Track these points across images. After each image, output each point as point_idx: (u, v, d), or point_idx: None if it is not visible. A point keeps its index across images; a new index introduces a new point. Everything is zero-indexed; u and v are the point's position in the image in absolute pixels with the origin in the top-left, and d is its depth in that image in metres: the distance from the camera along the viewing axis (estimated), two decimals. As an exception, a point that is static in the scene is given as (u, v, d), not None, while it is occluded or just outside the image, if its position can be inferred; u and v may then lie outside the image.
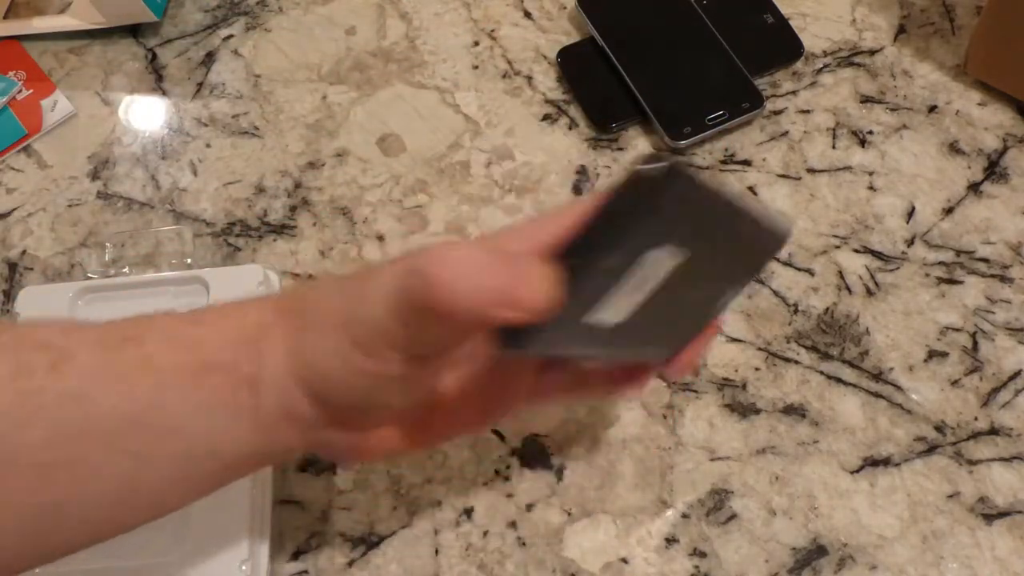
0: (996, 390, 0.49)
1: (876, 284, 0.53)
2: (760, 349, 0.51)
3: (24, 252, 0.58)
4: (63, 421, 0.29)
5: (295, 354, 0.31)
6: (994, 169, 0.56)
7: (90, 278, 0.55)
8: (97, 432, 0.30)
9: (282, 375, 0.31)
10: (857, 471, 0.47)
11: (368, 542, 0.47)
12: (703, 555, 0.46)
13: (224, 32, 0.66)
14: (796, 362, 0.50)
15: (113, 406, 0.30)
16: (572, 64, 0.61)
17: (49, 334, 0.31)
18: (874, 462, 0.47)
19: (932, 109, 0.58)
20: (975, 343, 0.50)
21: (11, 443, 0.29)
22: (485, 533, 0.47)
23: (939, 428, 0.48)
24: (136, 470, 0.31)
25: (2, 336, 0.31)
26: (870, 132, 0.57)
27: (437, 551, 0.47)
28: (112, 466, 0.30)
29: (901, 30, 0.61)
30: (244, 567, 0.43)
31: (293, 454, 0.38)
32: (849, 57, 0.60)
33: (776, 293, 0.53)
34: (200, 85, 0.64)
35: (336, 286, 0.32)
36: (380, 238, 0.56)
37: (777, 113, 0.59)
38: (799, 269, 0.53)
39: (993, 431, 0.48)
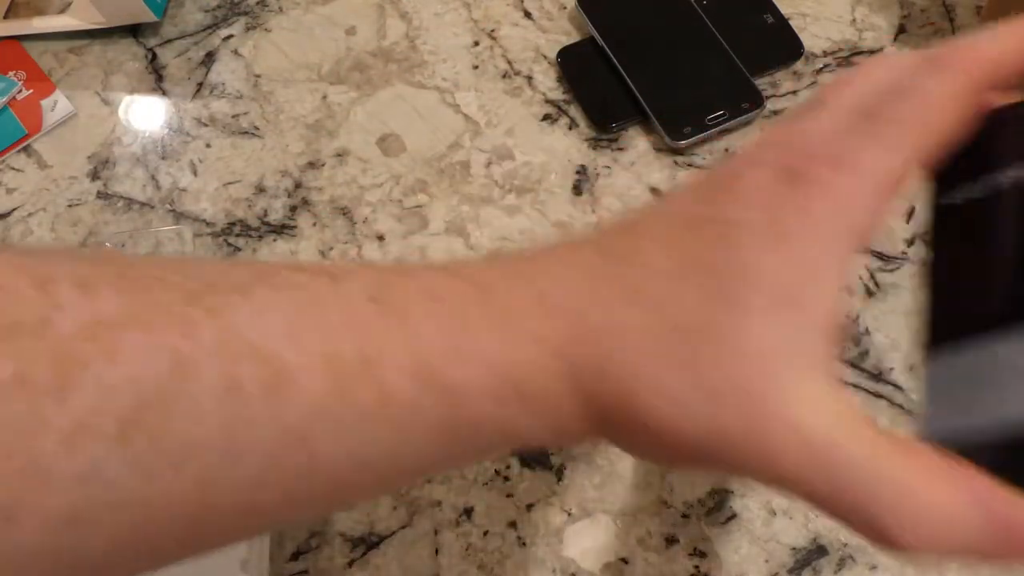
0: (996, 390, 0.49)
1: (876, 284, 0.53)
2: (760, 349, 0.51)
3: (24, 252, 0.58)
4: (282, 463, 0.22)
5: (586, 415, 0.24)
6: (994, 169, 0.56)
7: (90, 278, 0.55)
8: (323, 475, 0.23)
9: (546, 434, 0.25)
10: (857, 471, 0.47)
11: (368, 542, 0.47)
12: (703, 555, 0.46)
13: (224, 32, 0.66)
14: (796, 362, 0.50)
15: (348, 453, 0.23)
16: (572, 64, 0.61)
17: (260, 331, 0.22)
18: (874, 462, 0.47)
19: (932, 109, 0.58)
20: (975, 343, 0.50)
21: (215, 480, 0.22)
22: (485, 533, 0.47)
23: (939, 428, 0.48)
24: (357, 492, 0.25)
25: (195, 310, 0.22)
26: (870, 132, 0.57)
27: (437, 551, 0.47)
28: (329, 499, 0.25)
29: (901, 30, 0.61)
30: (244, 567, 0.43)
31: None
32: (849, 57, 0.60)
33: (776, 293, 0.53)
34: (200, 85, 0.64)
35: (665, 354, 0.23)
36: (380, 238, 0.56)
37: (777, 113, 0.59)
38: (799, 269, 0.53)
39: (993, 431, 0.48)
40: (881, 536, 0.21)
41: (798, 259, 0.22)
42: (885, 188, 0.23)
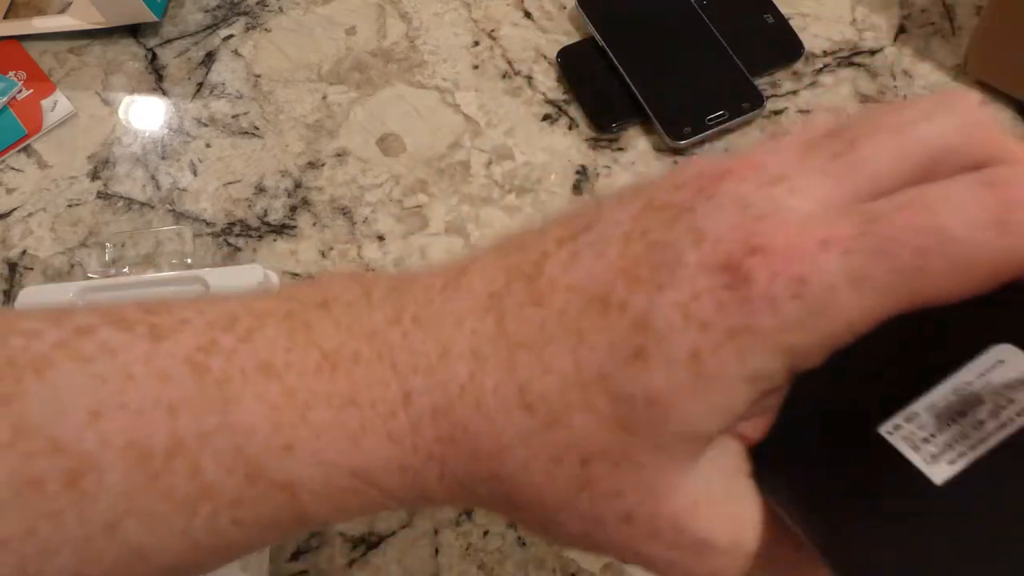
0: (996, 390, 0.49)
1: (876, 284, 0.52)
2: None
3: (24, 252, 0.58)
4: (100, 555, 0.21)
5: (453, 491, 0.22)
6: (994, 169, 0.56)
7: (90, 278, 0.55)
8: (148, 561, 0.22)
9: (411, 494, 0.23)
10: (857, 471, 0.47)
11: (368, 542, 0.47)
12: (703, 555, 0.46)
13: (224, 32, 0.66)
14: (796, 362, 0.50)
15: (163, 544, 0.22)
16: (572, 64, 0.61)
17: (58, 420, 0.21)
18: (874, 462, 0.47)
19: (932, 109, 0.58)
20: (975, 343, 0.50)
21: (38, 574, 0.21)
22: (485, 533, 0.47)
23: (939, 428, 0.48)
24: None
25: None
26: (870, 132, 0.57)
27: (437, 551, 0.47)
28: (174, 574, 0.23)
29: (901, 30, 0.61)
30: (244, 567, 0.43)
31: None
32: (849, 57, 0.60)
33: (776, 293, 0.53)
34: (200, 85, 0.64)
35: (523, 440, 0.21)
36: (380, 238, 0.56)
37: (777, 113, 0.59)
38: (799, 269, 0.53)
39: (993, 431, 0.48)
40: None
41: (713, 404, 0.19)
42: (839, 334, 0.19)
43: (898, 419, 0.19)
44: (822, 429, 0.21)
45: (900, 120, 0.20)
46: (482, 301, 0.21)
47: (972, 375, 0.19)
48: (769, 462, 0.21)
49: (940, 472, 0.18)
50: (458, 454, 0.21)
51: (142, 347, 0.22)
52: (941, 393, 0.19)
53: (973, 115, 0.20)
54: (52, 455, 0.20)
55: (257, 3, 0.67)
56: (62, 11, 0.68)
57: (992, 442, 0.18)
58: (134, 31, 0.67)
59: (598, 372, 0.20)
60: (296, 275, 0.56)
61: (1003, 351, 0.19)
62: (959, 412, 0.19)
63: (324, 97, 0.62)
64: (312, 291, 0.23)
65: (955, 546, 0.18)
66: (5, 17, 0.69)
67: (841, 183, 0.19)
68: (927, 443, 0.19)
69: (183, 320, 0.22)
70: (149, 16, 0.65)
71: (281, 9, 0.67)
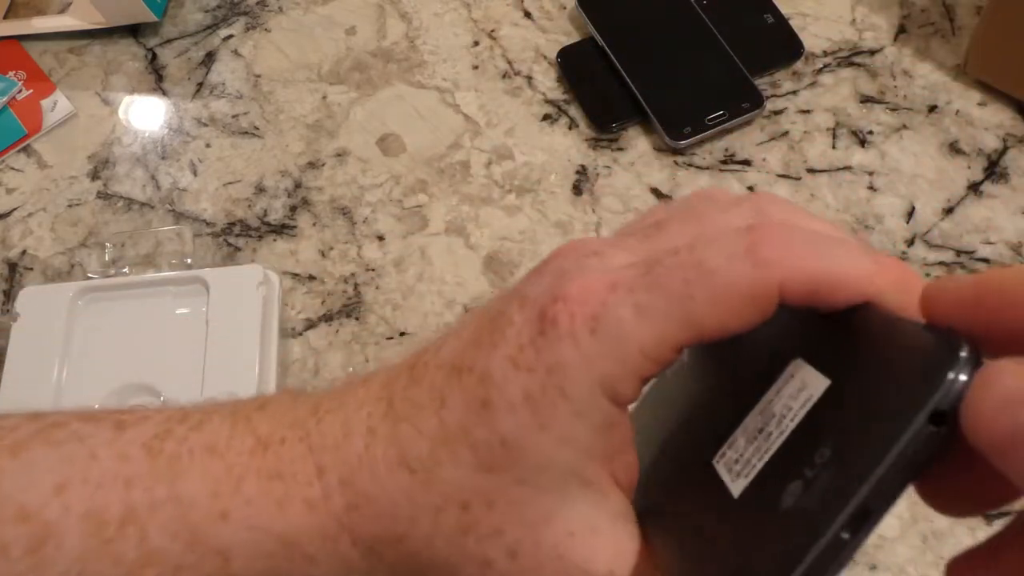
0: (996, 390, 0.49)
1: (876, 284, 0.52)
2: (760, 349, 0.51)
3: (24, 252, 0.58)
4: None
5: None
6: (994, 169, 0.56)
7: (90, 278, 0.55)
8: None
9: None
10: (857, 471, 0.47)
11: (368, 542, 0.47)
12: (703, 555, 0.46)
13: (224, 32, 0.66)
14: (796, 362, 0.50)
15: None
16: (572, 64, 0.61)
17: (28, 491, 0.24)
18: (874, 462, 0.47)
19: (932, 109, 0.58)
20: (975, 343, 0.50)
21: None
22: (485, 533, 0.47)
23: (939, 428, 0.48)
24: None
25: None
26: (870, 132, 0.57)
27: (437, 551, 0.47)
28: None
29: (901, 30, 0.61)
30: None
31: None
32: (849, 57, 0.60)
33: (776, 293, 0.53)
34: (200, 85, 0.64)
35: (453, 539, 0.23)
36: (380, 238, 0.56)
37: (777, 113, 0.59)
38: (799, 269, 0.53)
39: (993, 431, 0.48)
40: None
41: (555, 436, 0.22)
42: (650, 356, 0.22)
43: (723, 448, 0.22)
44: (671, 469, 0.24)
45: (703, 211, 0.24)
46: (377, 391, 0.25)
47: (773, 393, 0.21)
48: (638, 509, 0.23)
49: (737, 487, 0.21)
50: (363, 520, 0.24)
51: (107, 435, 0.25)
52: (752, 415, 0.21)
53: (766, 210, 0.23)
54: (18, 522, 0.24)
55: (257, 3, 0.67)
56: (62, 11, 0.68)
57: (771, 451, 0.20)
58: (134, 31, 0.67)
59: (458, 427, 0.23)
60: (296, 275, 0.56)
61: (795, 366, 0.21)
62: (759, 429, 0.21)
63: (324, 97, 0.62)
64: (253, 399, 0.27)
65: (742, 552, 0.19)
66: (5, 17, 0.69)
67: (641, 253, 0.23)
68: (736, 463, 0.21)
69: (144, 416, 0.26)
70: (149, 16, 0.65)
71: (281, 9, 0.67)
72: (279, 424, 0.26)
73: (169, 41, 0.66)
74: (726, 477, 0.21)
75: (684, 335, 0.21)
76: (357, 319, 0.54)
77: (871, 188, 0.56)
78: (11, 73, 0.65)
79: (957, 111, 0.58)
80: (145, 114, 0.63)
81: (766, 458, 0.20)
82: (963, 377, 0.17)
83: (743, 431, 0.21)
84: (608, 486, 0.23)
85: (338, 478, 0.24)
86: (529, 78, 0.62)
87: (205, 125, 0.62)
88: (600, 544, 0.23)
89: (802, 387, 0.20)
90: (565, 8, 0.64)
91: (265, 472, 0.25)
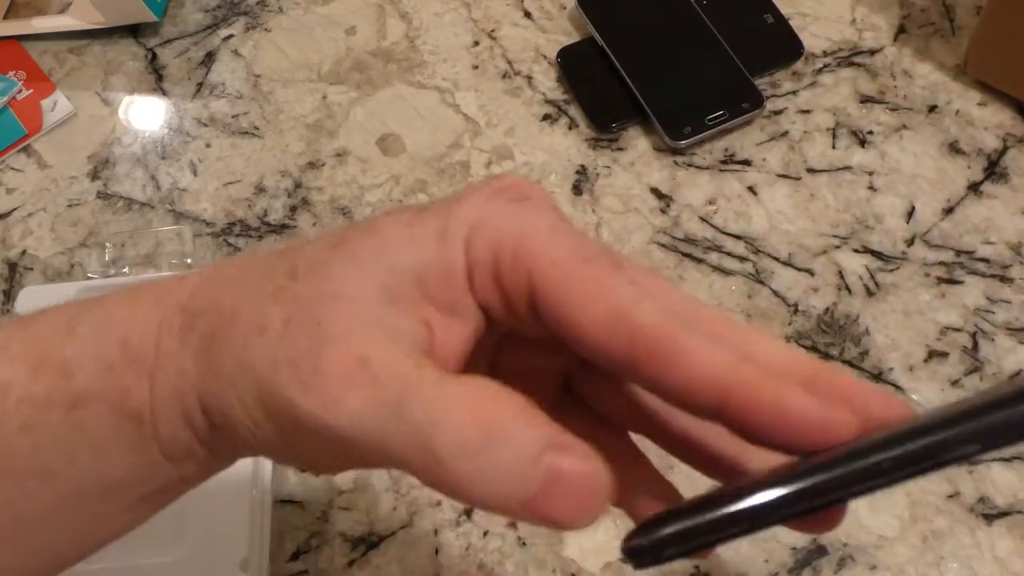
0: (996, 390, 0.49)
1: (876, 284, 0.53)
2: (760, 349, 0.51)
3: (24, 252, 0.58)
4: None
5: (192, 387, 0.24)
6: (994, 169, 0.56)
7: (90, 278, 0.55)
8: None
9: (173, 407, 0.24)
10: (857, 471, 0.47)
11: (368, 542, 0.47)
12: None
13: (224, 32, 0.66)
14: (796, 362, 0.50)
15: None
16: (572, 64, 0.61)
17: None
18: (874, 462, 0.47)
19: (932, 109, 0.58)
20: (975, 343, 0.50)
21: None
22: (485, 533, 0.47)
23: (939, 428, 0.48)
24: (12, 520, 0.25)
25: None
26: (870, 132, 0.57)
27: (437, 551, 0.47)
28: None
29: (901, 30, 0.61)
30: (244, 567, 0.43)
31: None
32: (849, 57, 0.60)
33: (776, 293, 0.53)
34: (200, 85, 0.64)
35: (264, 300, 0.23)
36: (380, 238, 0.56)
37: (777, 113, 0.59)
38: (799, 269, 0.53)
39: (993, 431, 0.48)
40: (436, 466, 0.20)
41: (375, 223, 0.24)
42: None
43: None
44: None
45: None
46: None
47: None
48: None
49: None
50: (197, 303, 0.24)
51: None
52: None
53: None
54: None
55: (257, 3, 0.67)
56: (62, 11, 0.68)
57: None
58: (134, 31, 0.67)
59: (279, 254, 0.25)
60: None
61: None
62: None
63: (324, 97, 0.62)
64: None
65: None
66: (5, 17, 0.69)
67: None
68: None
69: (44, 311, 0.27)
70: (149, 16, 0.65)
71: (281, 9, 0.67)
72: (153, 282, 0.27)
73: (169, 41, 0.66)
74: None
75: (545, 284, 0.22)
76: (357, 319, 0.54)
77: (871, 188, 0.56)
78: (11, 73, 0.65)
79: (957, 111, 0.58)
80: (145, 114, 0.63)
81: None
82: None
83: None
84: (414, 318, 0.22)
85: (192, 285, 0.25)
86: (529, 78, 0.62)
87: (205, 125, 0.62)
88: (359, 335, 0.21)
89: None
90: (565, 8, 0.64)
91: (126, 295, 0.26)
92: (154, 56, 0.66)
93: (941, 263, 0.53)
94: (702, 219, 0.55)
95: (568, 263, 0.22)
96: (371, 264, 0.23)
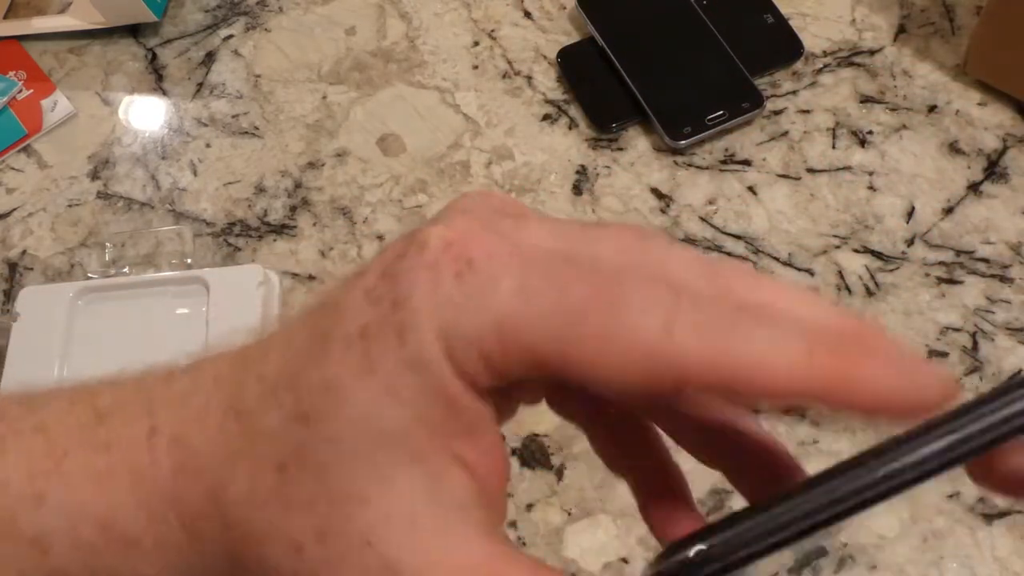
0: (996, 390, 0.49)
1: (876, 284, 0.53)
2: (760, 349, 0.51)
3: (24, 252, 0.58)
4: None
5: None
6: (994, 169, 0.56)
7: (90, 278, 0.55)
8: None
9: None
10: (857, 471, 0.47)
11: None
12: (703, 555, 0.46)
13: (224, 32, 0.66)
14: (796, 362, 0.50)
15: None
16: (572, 64, 0.61)
17: None
18: (874, 462, 0.48)
19: (932, 109, 0.58)
20: (975, 343, 0.50)
21: None
22: (485, 533, 0.47)
23: (939, 428, 0.48)
24: None
25: None
26: (870, 132, 0.57)
27: (437, 551, 0.47)
28: None
29: (901, 30, 0.61)
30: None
31: None
32: (849, 57, 0.60)
33: (776, 293, 0.53)
34: (200, 85, 0.64)
35: (276, 511, 0.20)
36: (380, 238, 0.56)
37: (777, 113, 0.59)
38: (799, 269, 0.53)
39: (993, 431, 0.48)
40: None
41: (383, 380, 0.19)
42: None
43: None
44: None
45: (652, 244, 0.22)
46: (245, 341, 0.22)
47: None
48: None
49: None
50: (188, 483, 0.20)
51: None
52: None
53: (722, 283, 0.20)
54: None
55: (257, 3, 0.67)
56: (62, 11, 0.68)
57: None
58: (134, 31, 0.67)
59: (294, 367, 0.19)
60: (296, 275, 0.56)
61: None
62: None
63: (324, 97, 0.62)
64: (103, 376, 0.24)
65: None
66: (5, 17, 0.69)
67: (566, 241, 0.21)
68: None
69: None
70: (149, 16, 0.65)
71: (281, 9, 0.67)
72: (125, 391, 0.22)
73: (169, 41, 0.66)
74: None
75: (547, 349, 0.18)
76: (357, 319, 0.54)
77: (871, 188, 0.56)
78: (11, 73, 0.65)
79: (957, 111, 0.58)
80: (145, 114, 0.63)
81: None
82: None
83: None
84: (447, 469, 0.19)
85: (169, 436, 0.21)
86: (529, 78, 0.62)
87: (205, 125, 0.62)
88: (418, 542, 0.18)
89: None
90: (565, 8, 0.64)
91: (92, 444, 0.21)
92: (154, 56, 0.66)
93: (941, 263, 0.53)
94: (702, 219, 0.55)
95: (563, 328, 0.18)
96: (368, 448, 0.19)
